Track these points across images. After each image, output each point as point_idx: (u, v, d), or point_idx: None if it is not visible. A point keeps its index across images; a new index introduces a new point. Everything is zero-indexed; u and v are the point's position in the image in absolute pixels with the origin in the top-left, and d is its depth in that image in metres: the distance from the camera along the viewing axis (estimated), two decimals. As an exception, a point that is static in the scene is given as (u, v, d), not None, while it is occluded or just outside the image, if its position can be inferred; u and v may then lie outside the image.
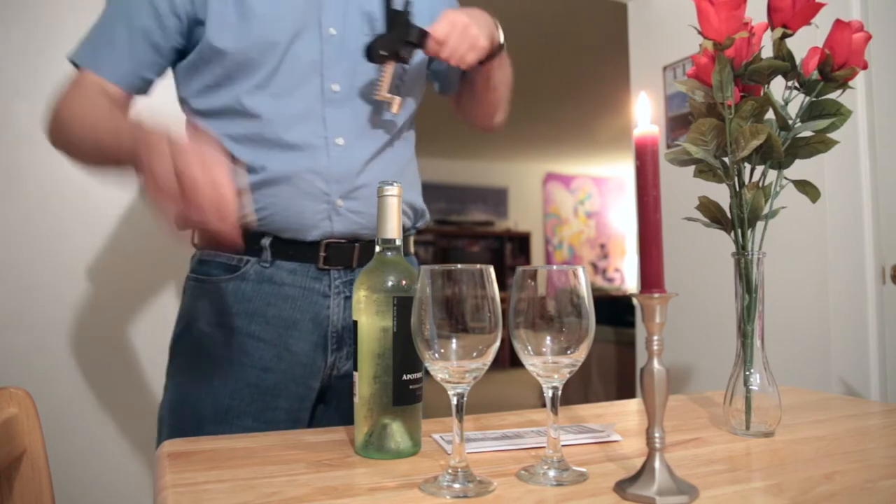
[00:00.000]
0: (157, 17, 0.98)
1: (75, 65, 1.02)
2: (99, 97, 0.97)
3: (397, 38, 0.98)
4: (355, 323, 0.72)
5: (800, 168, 0.82)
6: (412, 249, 1.17)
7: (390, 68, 1.00)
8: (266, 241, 1.00)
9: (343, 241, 1.02)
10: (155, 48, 1.00)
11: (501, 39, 1.07)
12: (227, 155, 0.74)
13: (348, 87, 1.03)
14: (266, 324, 1.00)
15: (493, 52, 1.05)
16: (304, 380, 1.02)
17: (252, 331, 1.00)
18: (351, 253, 1.03)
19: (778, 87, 0.82)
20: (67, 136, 0.97)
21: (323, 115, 1.01)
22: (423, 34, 0.98)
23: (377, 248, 0.74)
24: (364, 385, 0.71)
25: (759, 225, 0.83)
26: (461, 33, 0.97)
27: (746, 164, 0.82)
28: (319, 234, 1.01)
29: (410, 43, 0.99)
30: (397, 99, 1.01)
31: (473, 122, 1.27)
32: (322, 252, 1.01)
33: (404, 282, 0.71)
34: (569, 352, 0.62)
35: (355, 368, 0.72)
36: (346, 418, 1.02)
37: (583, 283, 0.62)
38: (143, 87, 1.03)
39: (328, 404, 1.07)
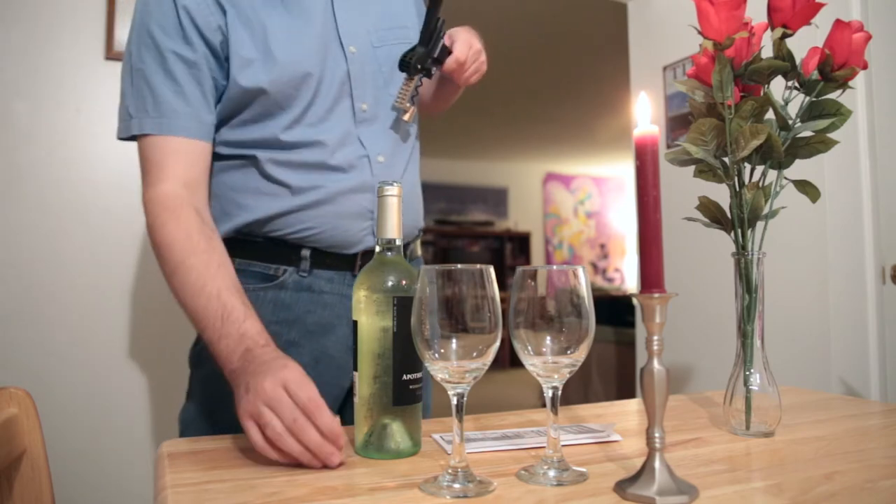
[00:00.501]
0: (186, 42, 0.93)
1: (133, 137, 0.95)
2: (192, 229, 0.88)
3: (430, 53, 1.02)
4: (355, 323, 0.72)
5: (800, 168, 0.82)
6: (419, 252, 1.18)
7: (415, 81, 1.03)
8: (306, 253, 1.01)
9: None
10: (197, 81, 0.95)
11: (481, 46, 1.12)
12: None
13: (374, 105, 1.05)
14: (305, 330, 1.01)
15: None
16: (338, 381, 1.03)
17: (291, 338, 1.00)
18: None
19: (778, 87, 0.82)
20: (163, 272, 0.89)
21: (358, 136, 1.03)
22: (447, 52, 1.04)
23: (377, 248, 0.74)
24: (364, 385, 0.71)
25: (759, 225, 0.83)
26: (475, 57, 1.03)
27: (746, 164, 0.82)
28: (361, 249, 1.02)
29: (438, 60, 1.03)
30: (412, 108, 1.05)
31: (427, 110, 1.30)
32: (359, 261, 1.03)
33: (404, 282, 0.71)
34: (569, 352, 0.62)
35: (355, 368, 0.72)
36: None
37: (583, 283, 0.62)
38: (210, 132, 0.97)
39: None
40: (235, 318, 0.80)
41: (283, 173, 0.99)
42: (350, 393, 1.06)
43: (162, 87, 0.93)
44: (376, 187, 0.97)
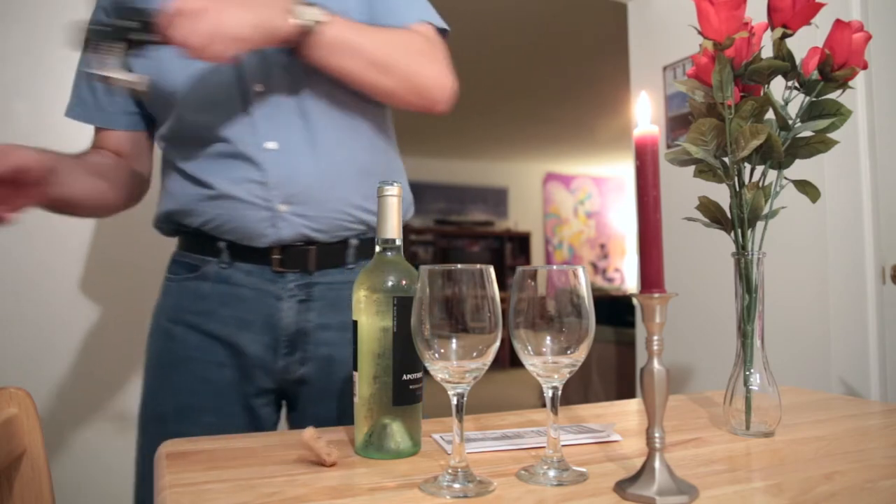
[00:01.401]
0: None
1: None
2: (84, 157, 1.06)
3: (125, 18, 0.88)
4: (355, 323, 0.72)
5: (800, 168, 0.82)
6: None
7: (118, 51, 0.90)
8: (223, 245, 1.01)
9: (299, 244, 1.00)
10: None
11: (306, 20, 0.88)
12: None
13: (272, 86, 0.98)
14: (220, 323, 1.01)
15: (295, 40, 0.89)
16: (257, 381, 1.02)
17: (208, 329, 1.01)
18: (306, 257, 1.01)
19: (778, 87, 0.82)
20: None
21: (249, 121, 0.98)
22: (145, 15, 0.86)
23: (377, 248, 0.74)
24: (364, 385, 0.71)
25: (759, 225, 0.83)
26: (196, 19, 0.81)
27: (746, 164, 0.82)
28: (269, 241, 0.99)
29: (134, 27, 0.88)
30: (133, 78, 0.89)
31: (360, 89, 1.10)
32: (276, 255, 1.00)
33: (404, 282, 0.71)
34: (569, 352, 0.62)
35: (355, 368, 0.72)
36: (321, 423, 1.01)
37: (583, 283, 0.62)
38: (130, 122, 1.08)
39: (299, 411, 1.06)
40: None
41: (182, 163, 1.01)
42: (280, 400, 1.07)
43: (94, 91, 1.06)
44: (272, 175, 0.97)
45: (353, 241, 1.04)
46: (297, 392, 1.05)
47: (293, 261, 1.01)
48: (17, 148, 0.84)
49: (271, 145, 0.97)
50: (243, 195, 0.97)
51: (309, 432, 0.67)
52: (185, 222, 1.03)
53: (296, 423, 1.07)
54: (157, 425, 1.00)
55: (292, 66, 0.96)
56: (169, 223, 1.06)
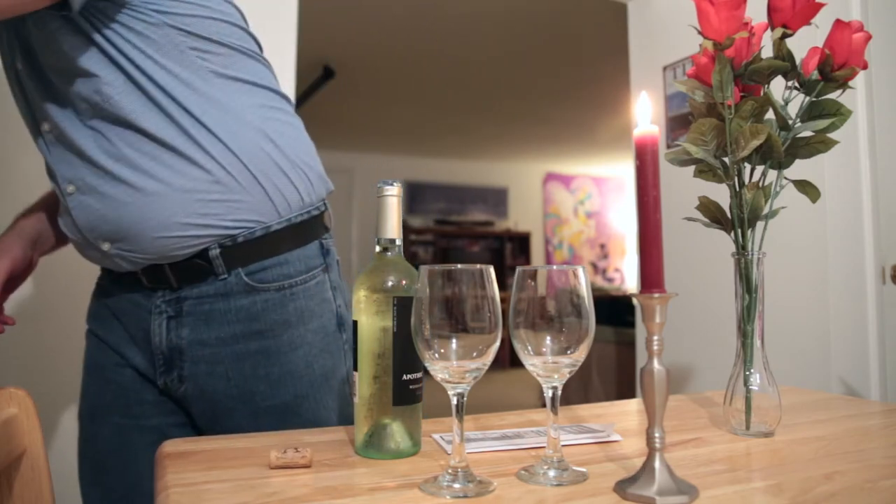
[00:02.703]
0: None
1: None
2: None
3: None
4: (355, 323, 0.72)
5: (800, 168, 0.82)
6: (304, 241, 1.00)
7: None
8: None
9: (149, 265, 0.94)
10: None
11: None
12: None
13: (59, 125, 0.91)
14: (112, 333, 1.02)
15: None
16: (145, 395, 1.00)
17: (104, 336, 1.03)
18: (164, 273, 0.94)
19: (778, 87, 0.82)
20: None
21: (51, 164, 0.95)
22: None
23: (377, 248, 0.74)
24: (364, 385, 0.71)
25: (759, 225, 0.83)
26: None
27: (746, 164, 0.82)
28: (118, 271, 0.98)
29: None
30: None
31: None
32: (140, 275, 0.96)
33: (404, 282, 0.71)
34: (569, 352, 0.62)
35: (355, 368, 0.72)
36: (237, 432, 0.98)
37: (583, 283, 0.62)
38: None
39: (199, 429, 1.01)
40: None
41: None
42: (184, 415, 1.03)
43: None
44: (80, 219, 0.93)
45: (214, 252, 0.93)
46: (189, 410, 1.00)
47: (154, 278, 0.95)
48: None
49: (70, 189, 0.93)
50: (71, 236, 0.99)
51: (273, 458, 0.66)
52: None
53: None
54: (81, 425, 1.05)
55: (76, 97, 0.89)
56: None
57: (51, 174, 0.97)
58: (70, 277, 1.68)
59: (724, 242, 0.84)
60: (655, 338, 0.59)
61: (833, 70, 0.79)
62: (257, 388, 0.96)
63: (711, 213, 0.84)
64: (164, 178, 0.90)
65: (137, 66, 0.88)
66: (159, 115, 0.90)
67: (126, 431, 0.99)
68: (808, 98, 0.81)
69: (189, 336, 0.95)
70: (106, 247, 0.93)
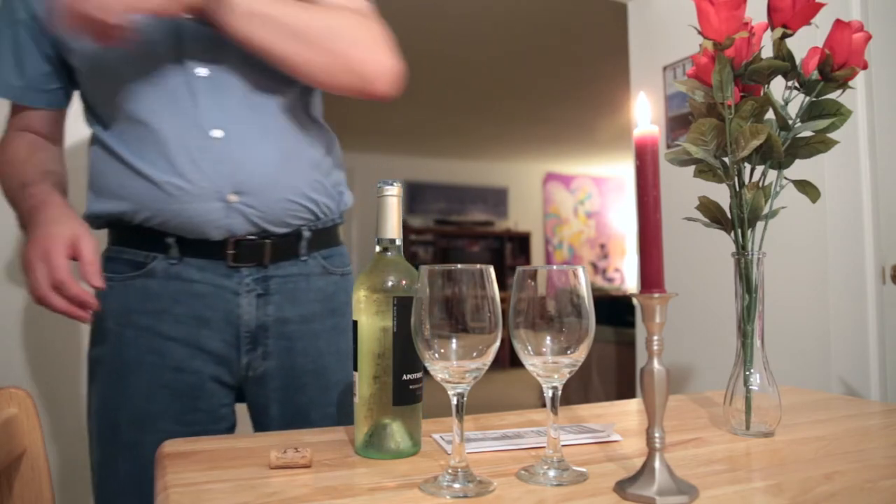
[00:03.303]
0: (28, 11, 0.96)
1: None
2: (19, 146, 1.02)
3: None
4: (355, 323, 0.72)
5: (800, 168, 0.82)
6: (340, 239, 1.12)
7: None
8: (171, 240, 0.96)
9: (253, 237, 0.97)
10: (45, 57, 0.98)
11: None
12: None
13: (216, 69, 0.94)
14: (176, 322, 0.96)
15: (202, 6, 0.86)
16: (220, 379, 0.99)
17: (161, 329, 0.96)
18: (261, 250, 0.98)
19: (778, 87, 0.81)
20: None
21: (196, 108, 0.93)
22: None
23: (377, 248, 0.74)
24: (364, 385, 0.71)
25: (759, 225, 0.83)
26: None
27: (746, 164, 0.82)
28: (221, 234, 0.95)
29: None
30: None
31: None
32: (230, 250, 0.96)
33: (404, 282, 0.71)
34: (569, 352, 0.62)
35: (355, 368, 0.72)
36: (289, 422, 1.00)
37: (583, 283, 0.62)
38: (52, 99, 1.03)
39: (260, 408, 1.04)
40: (29, 185, 0.95)
41: (122, 153, 0.95)
42: (240, 397, 1.05)
43: (13, 56, 0.98)
44: (219, 165, 0.93)
45: (306, 233, 1.02)
46: (258, 391, 1.02)
47: (248, 255, 0.97)
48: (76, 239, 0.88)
49: (217, 133, 0.93)
50: (188, 185, 0.92)
51: (272, 458, 0.66)
52: (125, 219, 0.97)
53: (259, 424, 1.04)
54: (111, 435, 0.96)
55: (238, 48, 0.90)
56: (101, 219, 1.01)
57: (178, 122, 0.92)
58: (70, 277, 1.68)
59: (724, 242, 0.84)
60: (655, 338, 0.59)
61: (833, 70, 0.79)
62: (329, 364, 1.04)
63: (711, 213, 0.84)
64: (304, 145, 1.01)
65: None
66: (313, 94, 1.05)
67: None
68: (808, 98, 0.81)
69: (274, 313, 1.01)
70: (233, 198, 0.94)
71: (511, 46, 4.19)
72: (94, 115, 1.01)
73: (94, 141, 1.00)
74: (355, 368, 0.72)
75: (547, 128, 6.50)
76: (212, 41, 0.92)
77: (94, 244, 0.88)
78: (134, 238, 0.98)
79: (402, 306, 0.69)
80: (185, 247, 0.96)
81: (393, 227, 0.73)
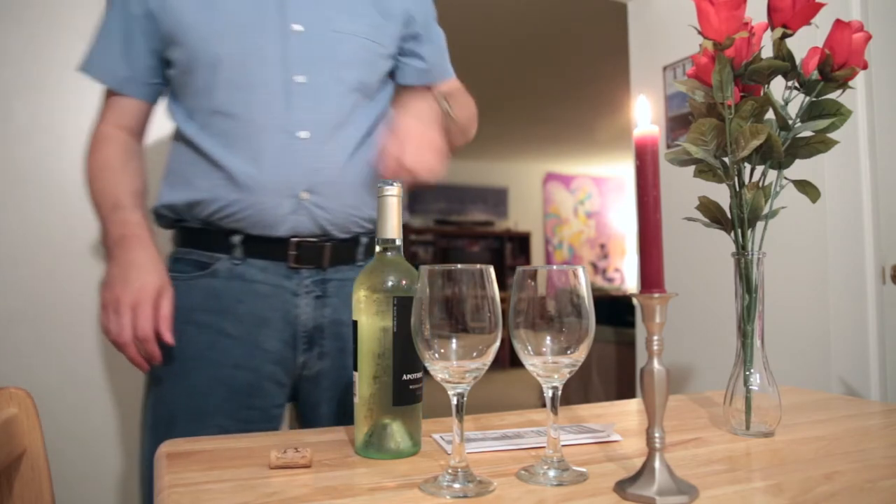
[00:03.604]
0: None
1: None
2: (115, 152, 1.06)
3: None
4: (355, 323, 0.72)
5: (800, 168, 0.82)
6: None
7: None
8: (237, 239, 1.01)
9: (314, 239, 1.02)
10: (152, 51, 1.04)
11: (447, 109, 1.07)
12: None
13: (314, 78, 1.01)
14: (237, 321, 1.00)
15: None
16: (276, 377, 1.02)
17: (222, 328, 1.00)
18: (321, 252, 1.03)
19: (778, 87, 0.81)
20: (87, 185, 1.06)
21: (288, 107, 1.00)
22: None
23: (377, 248, 0.74)
24: (364, 385, 0.71)
25: (759, 225, 0.83)
26: (416, 147, 0.94)
27: (746, 164, 0.82)
28: (287, 230, 1.00)
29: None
30: None
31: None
32: (292, 251, 1.01)
33: (404, 282, 0.71)
34: (569, 352, 0.62)
35: (355, 368, 0.72)
36: (339, 420, 1.02)
37: (583, 283, 0.62)
38: (150, 93, 1.08)
39: (311, 407, 1.07)
40: (123, 209, 0.99)
41: (205, 144, 1.00)
42: (294, 395, 1.08)
43: (119, 43, 1.04)
44: (300, 163, 0.99)
45: (364, 239, 1.08)
46: (311, 389, 1.06)
47: (308, 257, 1.02)
48: (158, 292, 0.95)
49: (303, 135, 1.00)
50: (267, 178, 0.98)
51: (273, 458, 0.66)
52: (195, 211, 1.01)
53: (309, 422, 1.08)
54: (167, 427, 0.99)
55: (336, 61, 1.02)
56: (174, 213, 1.05)
57: (269, 119, 0.99)
58: (70, 277, 1.68)
59: (724, 242, 0.84)
60: (655, 338, 0.59)
61: (833, 70, 0.79)
62: None
63: (711, 213, 0.84)
64: (374, 154, 1.04)
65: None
66: (388, 112, 1.12)
67: (228, 433, 0.99)
68: (808, 98, 0.81)
69: (330, 315, 1.05)
70: (305, 195, 0.99)
71: (511, 46, 4.19)
72: (179, 107, 1.06)
73: (177, 136, 1.06)
74: (355, 368, 0.72)
75: (547, 128, 6.50)
76: (314, 54, 1.01)
77: (172, 298, 0.96)
78: (200, 239, 1.03)
79: (402, 306, 0.69)
80: (249, 247, 1.01)
81: (393, 228, 0.73)
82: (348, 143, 1.03)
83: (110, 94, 1.08)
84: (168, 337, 0.93)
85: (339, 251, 1.04)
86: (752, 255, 0.82)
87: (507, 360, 5.69)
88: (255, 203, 0.98)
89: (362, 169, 1.04)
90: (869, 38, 0.79)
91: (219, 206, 0.99)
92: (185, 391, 0.99)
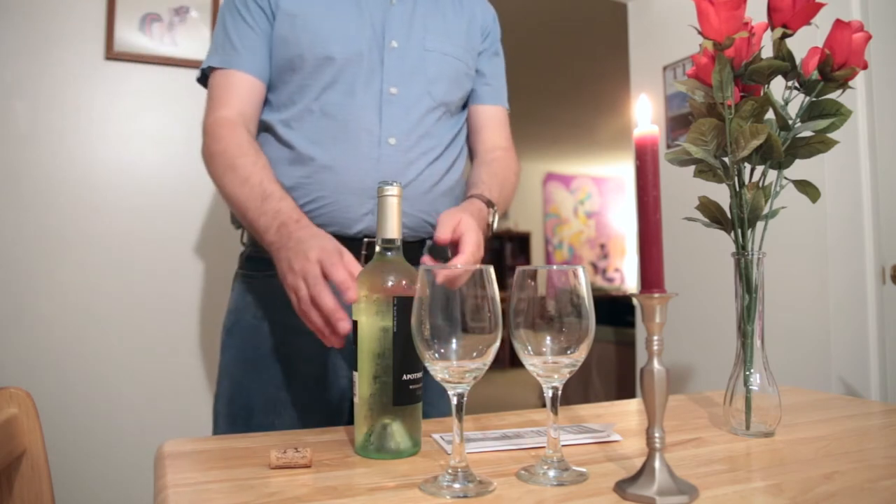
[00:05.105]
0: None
1: (205, 77, 1.11)
2: (242, 141, 1.03)
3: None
4: (355, 323, 0.72)
5: (800, 168, 0.82)
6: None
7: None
8: None
9: None
10: (259, 28, 1.09)
11: (493, 221, 1.08)
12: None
13: (405, 90, 1.08)
14: None
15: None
16: (346, 371, 1.06)
17: (295, 324, 0.98)
18: None
19: (778, 87, 0.82)
20: (213, 177, 1.04)
21: (380, 115, 1.06)
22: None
23: (377, 248, 0.74)
24: (364, 385, 0.71)
25: (759, 225, 0.83)
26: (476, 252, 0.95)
27: (746, 164, 0.82)
28: (362, 228, 1.04)
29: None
30: None
31: None
32: (363, 251, 1.04)
33: (404, 282, 0.71)
34: (569, 352, 0.62)
35: (355, 368, 0.72)
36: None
37: (583, 283, 0.62)
38: (265, 73, 1.11)
39: None
40: (273, 199, 0.95)
41: (294, 138, 1.05)
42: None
43: (232, 31, 1.08)
44: (385, 166, 1.03)
45: (428, 242, 1.12)
46: None
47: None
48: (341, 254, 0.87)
49: (392, 141, 1.06)
50: (351, 177, 1.02)
51: (273, 458, 0.66)
52: None
53: None
54: (244, 419, 1.03)
55: (426, 77, 1.10)
56: None
57: (361, 122, 1.05)
58: (70, 277, 1.68)
59: (724, 242, 0.84)
60: (655, 338, 0.59)
61: (833, 70, 0.79)
62: None
63: (711, 213, 0.84)
64: (453, 171, 1.14)
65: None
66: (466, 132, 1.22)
67: (299, 426, 1.03)
68: (808, 98, 0.81)
69: None
70: None
71: (511, 46, 4.18)
72: (271, 102, 1.10)
73: (265, 128, 1.10)
74: (355, 368, 0.72)
75: (547, 128, 6.50)
76: (406, 69, 1.09)
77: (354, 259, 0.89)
78: None
79: (402, 306, 0.69)
80: None
81: (393, 228, 0.73)
82: (430, 152, 1.10)
83: (222, 82, 1.08)
84: (352, 294, 0.80)
85: (407, 252, 1.05)
86: (752, 255, 0.82)
87: (507, 360, 5.70)
88: (336, 201, 1.02)
89: (440, 179, 1.11)
90: (869, 38, 0.79)
91: (299, 203, 1.00)
92: (262, 384, 1.04)
